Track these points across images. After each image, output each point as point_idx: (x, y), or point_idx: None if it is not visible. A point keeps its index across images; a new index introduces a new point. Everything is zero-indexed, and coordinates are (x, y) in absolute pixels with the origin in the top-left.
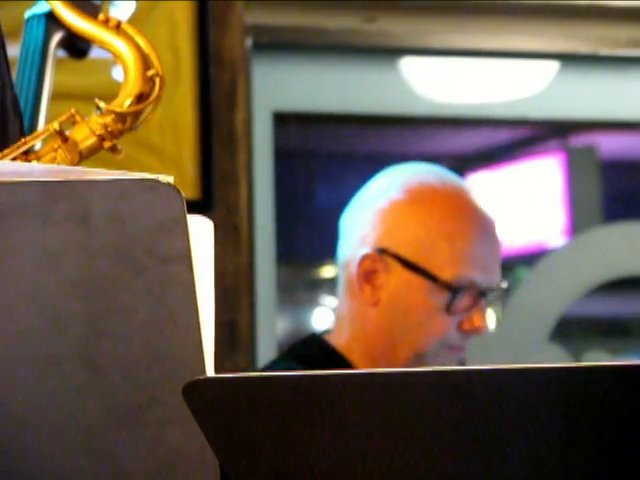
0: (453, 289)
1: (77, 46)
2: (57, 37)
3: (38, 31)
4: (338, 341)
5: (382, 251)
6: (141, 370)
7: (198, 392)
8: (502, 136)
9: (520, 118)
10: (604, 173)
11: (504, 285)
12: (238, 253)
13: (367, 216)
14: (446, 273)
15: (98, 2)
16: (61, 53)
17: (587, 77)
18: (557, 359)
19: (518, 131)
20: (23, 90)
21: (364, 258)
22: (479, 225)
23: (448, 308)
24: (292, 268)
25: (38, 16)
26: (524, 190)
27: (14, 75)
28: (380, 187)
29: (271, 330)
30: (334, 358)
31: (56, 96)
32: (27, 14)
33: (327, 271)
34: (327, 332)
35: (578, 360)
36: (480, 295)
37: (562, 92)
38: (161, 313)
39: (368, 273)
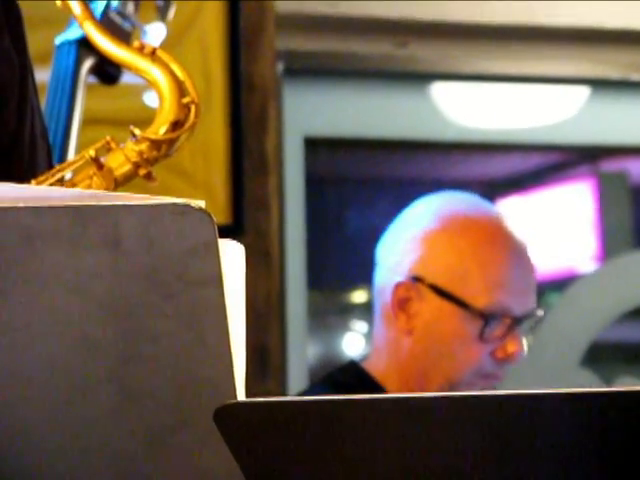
0: (486, 317)
1: (108, 72)
2: (88, 63)
3: (69, 57)
4: (375, 369)
5: (416, 279)
6: (172, 394)
7: (229, 416)
8: (532, 161)
9: (551, 143)
10: (635, 198)
11: (539, 313)
12: (269, 278)
13: (401, 244)
14: (479, 301)
15: (128, 28)
16: (91, 79)
17: (618, 102)
18: (588, 384)
19: (548, 156)
20: (54, 117)
21: (398, 286)
22: (513, 252)
23: (481, 336)
24: (323, 293)
25: (69, 42)
26: (555, 215)
27: (44, 101)
28: (414, 215)
29: (302, 355)
30: (371, 386)
31: (87, 121)
32: (58, 40)
33: (358, 296)
34: (365, 359)
35: (609, 386)
36: (514, 323)
37: (593, 117)
38: (192, 337)
39: (402, 301)
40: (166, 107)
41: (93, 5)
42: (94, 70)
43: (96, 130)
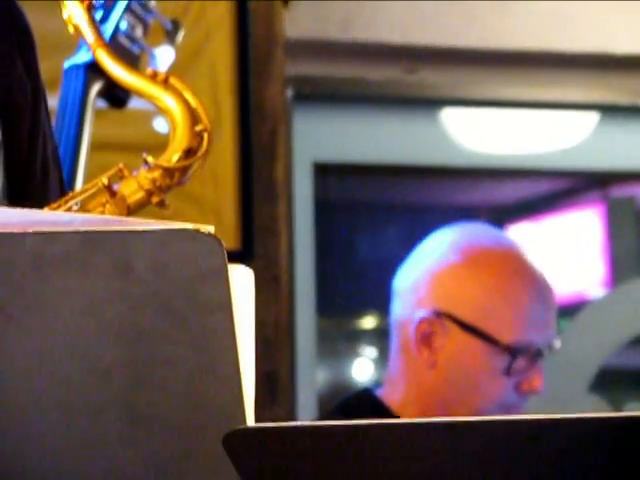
0: (513, 351)
1: (117, 95)
2: (96, 87)
3: (77, 81)
4: (390, 399)
5: (440, 314)
6: (181, 419)
7: (238, 442)
8: (542, 187)
9: (560, 169)
10: None
11: (557, 344)
12: (278, 303)
13: (423, 278)
14: (506, 336)
15: (137, 51)
16: (100, 103)
17: (627, 128)
18: (597, 410)
19: (558, 182)
20: (62, 140)
21: (422, 321)
22: (535, 286)
23: (508, 370)
24: (332, 319)
25: (77, 66)
26: (564, 241)
27: (53, 125)
28: (435, 248)
29: (311, 381)
30: (386, 415)
31: (96, 147)
32: (66, 64)
33: (367, 322)
34: (378, 387)
35: (618, 411)
36: (537, 355)
37: (602, 143)
38: (202, 362)
39: (426, 335)
40: (179, 135)
41: (102, 28)
42: (103, 93)
43: (105, 156)
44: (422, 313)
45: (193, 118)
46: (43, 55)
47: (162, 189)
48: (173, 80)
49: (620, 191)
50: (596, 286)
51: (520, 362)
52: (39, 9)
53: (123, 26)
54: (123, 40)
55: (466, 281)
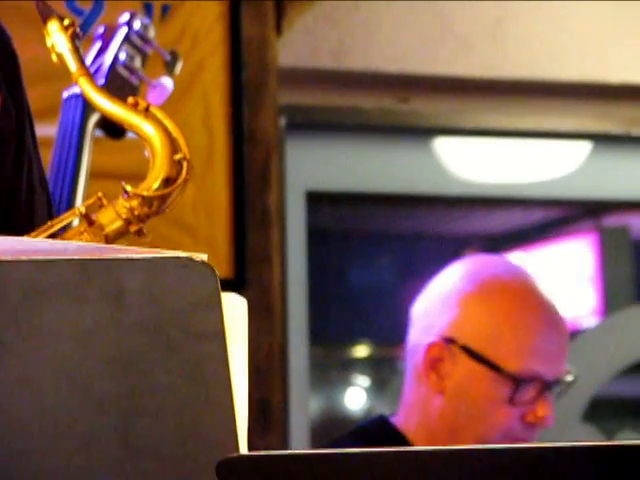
0: (517, 381)
1: (115, 127)
2: (95, 117)
3: (76, 111)
4: (404, 425)
5: (449, 340)
6: (175, 447)
7: (231, 469)
8: (535, 216)
9: (553, 198)
10: (637, 253)
11: (570, 378)
12: (271, 332)
13: (435, 305)
14: (511, 365)
15: (135, 81)
16: (98, 133)
17: (620, 157)
18: (590, 439)
19: (551, 211)
20: (61, 169)
21: (431, 346)
22: (546, 318)
23: (512, 400)
24: (325, 347)
25: (76, 96)
26: (557, 270)
27: (51, 154)
28: (449, 277)
29: (304, 409)
30: (400, 442)
31: (95, 175)
32: (65, 94)
33: (360, 351)
34: (394, 415)
35: (611, 440)
36: (545, 387)
37: (595, 172)
38: (195, 391)
39: (434, 361)
40: (158, 163)
41: (102, 58)
42: (101, 124)
43: (103, 184)
44: (431, 339)
45: (173, 147)
46: (41, 83)
47: (140, 218)
48: (154, 109)
49: (613, 220)
50: (589, 315)
51: (526, 392)
52: (39, 38)
53: (122, 57)
54: (122, 70)
55: (476, 309)
